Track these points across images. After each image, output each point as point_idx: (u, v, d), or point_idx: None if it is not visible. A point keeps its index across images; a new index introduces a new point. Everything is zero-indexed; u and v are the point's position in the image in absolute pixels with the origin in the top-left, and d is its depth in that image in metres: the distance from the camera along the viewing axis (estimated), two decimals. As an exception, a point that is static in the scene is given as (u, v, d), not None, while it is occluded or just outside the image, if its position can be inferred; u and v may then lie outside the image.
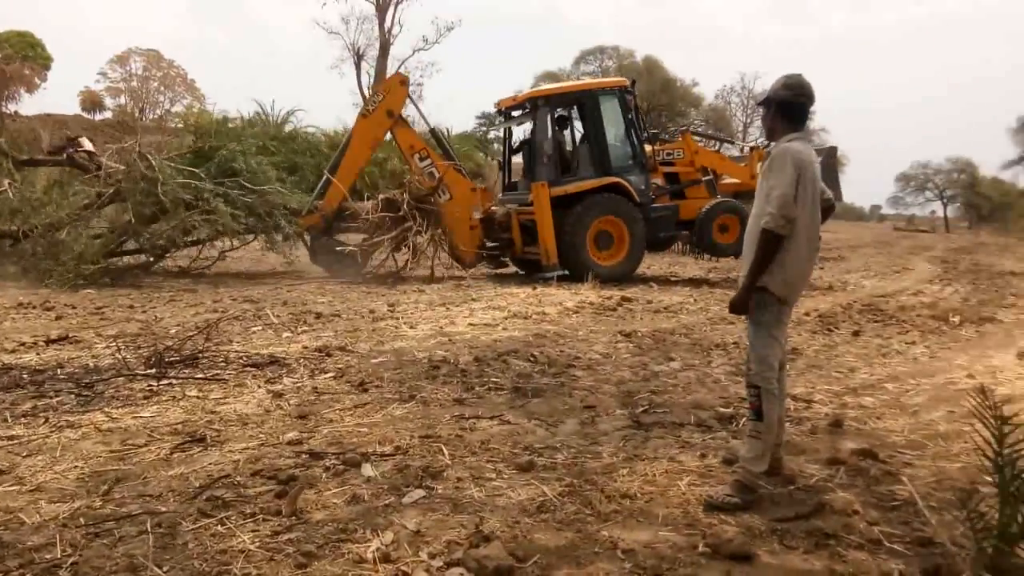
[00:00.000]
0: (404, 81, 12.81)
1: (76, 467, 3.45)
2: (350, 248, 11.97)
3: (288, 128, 28.88)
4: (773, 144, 3.48)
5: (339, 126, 36.86)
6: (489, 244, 12.46)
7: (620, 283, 11.47)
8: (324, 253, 12.38)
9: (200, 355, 5.85)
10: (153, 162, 11.40)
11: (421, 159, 12.41)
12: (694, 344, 7.18)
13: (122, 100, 48.34)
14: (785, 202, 3.20)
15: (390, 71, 37.97)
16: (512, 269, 13.54)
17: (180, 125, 39.34)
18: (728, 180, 12.96)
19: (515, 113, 13.11)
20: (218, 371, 5.46)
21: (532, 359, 6.15)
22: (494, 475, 3.43)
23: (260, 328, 7.28)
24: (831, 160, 13.98)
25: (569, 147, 12.82)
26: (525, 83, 50.47)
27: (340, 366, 5.69)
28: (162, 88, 49.58)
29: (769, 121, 3.50)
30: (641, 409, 4.83)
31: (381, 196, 12.00)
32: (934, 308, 9.66)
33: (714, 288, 11.92)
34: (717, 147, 15.16)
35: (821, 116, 50.15)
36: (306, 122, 33.78)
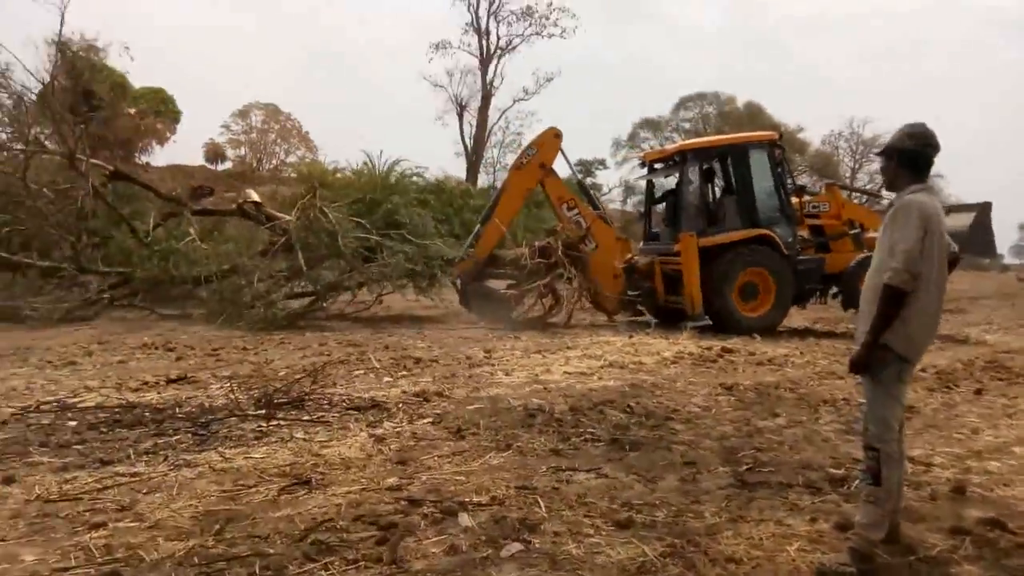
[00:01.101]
0: (558, 135, 13.22)
1: (191, 505, 3.63)
2: (511, 292, 12.42)
3: (393, 177, 30.07)
4: (895, 195, 3.34)
5: (441, 175, 38.16)
6: (631, 292, 12.63)
7: (768, 334, 11.43)
8: (475, 298, 12.85)
9: (306, 397, 6.07)
10: (331, 216, 12.44)
11: (569, 209, 12.88)
12: (800, 399, 6.88)
13: (242, 151, 51.50)
14: (911, 257, 3.05)
15: (491, 121, 39.10)
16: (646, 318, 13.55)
17: (295, 175, 41.67)
18: (873, 234, 12.66)
19: (659, 166, 13.44)
20: (323, 413, 5.65)
21: (629, 410, 6.05)
22: (592, 531, 3.38)
23: (363, 372, 7.50)
24: (986, 216, 13.58)
25: (710, 199, 12.88)
26: (622, 130, 50.80)
27: (438, 411, 5.77)
28: (278, 140, 52.65)
29: (892, 172, 3.35)
30: (745, 467, 4.65)
31: (537, 244, 12.50)
32: (1070, 365, 8.93)
33: (820, 340, 11.44)
34: (864, 200, 14.95)
35: (942, 159, 47.78)
36: (411, 171, 35.12)
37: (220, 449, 4.64)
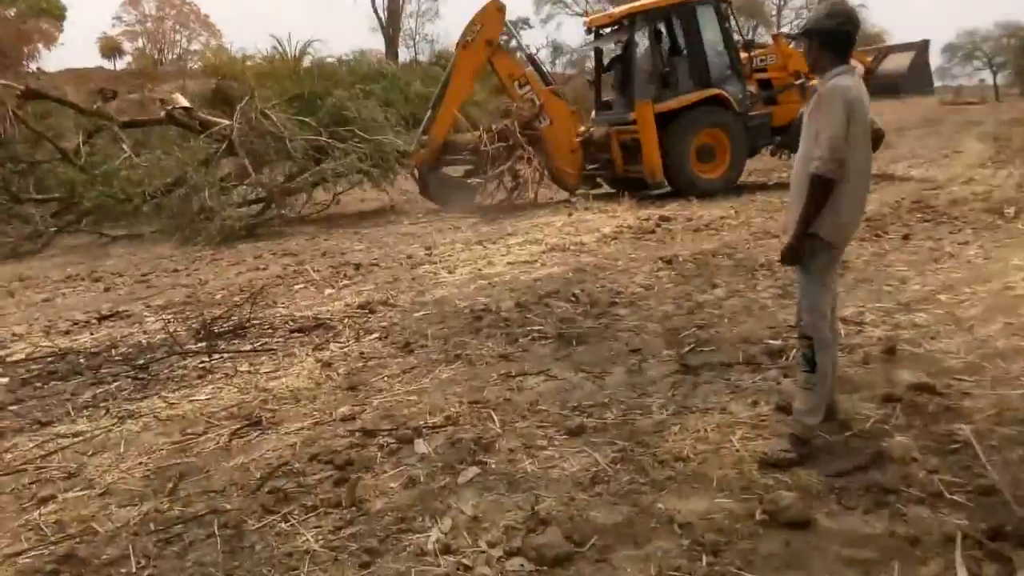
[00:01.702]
0: (501, 8, 12.50)
1: (141, 463, 3.58)
2: (475, 181, 12.15)
3: (306, 62, 28.51)
4: (818, 79, 3.28)
5: (357, 54, 36.18)
6: (589, 166, 12.52)
7: (720, 195, 11.58)
8: (436, 187, 12.52)
9: (247, 323, 5.94)
10: (274, 118, 11.86)
11: (521, 86, 12.37)
12: (737, 266, 7.03)
13: (140, 43, 48.17)
14: (836, 144, 3.02)
15: (405, -12, 36.88)
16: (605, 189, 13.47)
17: (201, 66, 39.15)
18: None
19: (605, 31, 12.94)
20: (266, 339, 5.55)
21: (574, 299, 6.10)
22: (545, 442, 3.46)
23: (302, 286, 7.35)
24: (924, 54, 13.68)
25: (661, 63, 12.53)
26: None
27: (384, 324, 5.73)
28: (177, 26, 49.35)
29: (815, 53, 3.26)
30: (688, 348, 4.79)
31: (495, 127, 12.08)
32: (987, 200, 9.27)
33: (755, 195, 11.61)
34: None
35: (859, -11, 47.29)
36: (323, 53, 33.24)
37: (163, 394, 4.55)
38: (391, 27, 35.92)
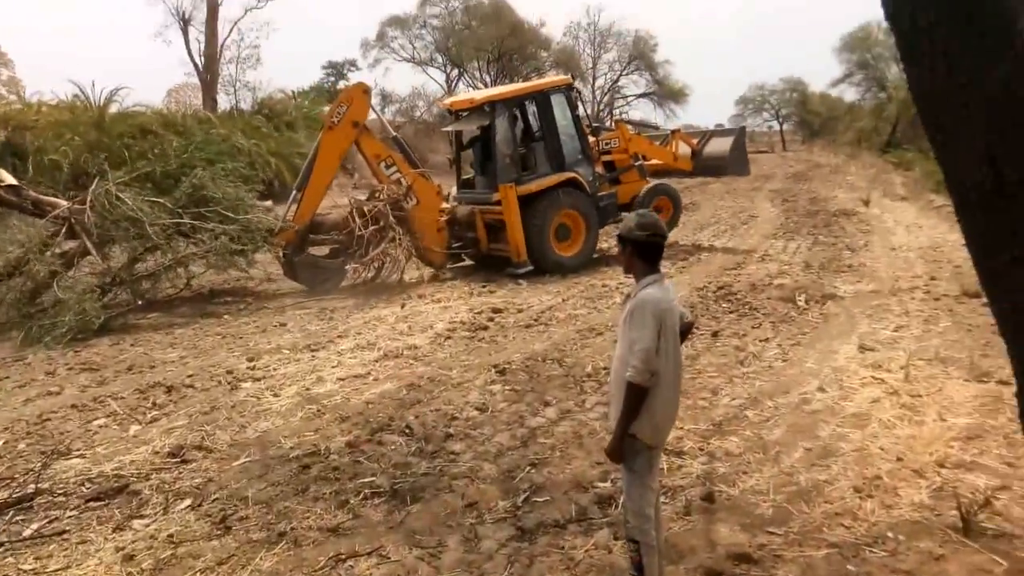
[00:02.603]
0: (367, 90, 12.70)
1: None
2: (351, 265, 12.01)
3: (113, 109, 26.48)
4: (633, 286, 3.45)
5: (171, 102, 34.08)
6: (455, 244, 12.89)
7: (578, 271, 12.43)
8: (303, 269, 12.29)
9: (36, 487, 5.21)
10: (131, 202, 10.86)
11: (387, 167, 12.46)
12: (567, 375, 7.21)
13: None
14: (648, 356, 3.23)
15: (222, 34, 35.35)
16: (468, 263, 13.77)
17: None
18: (652, 161, 14.52)
19: (466, 114, 13.42)
20: (56, 513, 4.89)
21: (408, 432, 5.95)
22: (379, 668, 3.27)
23: (102, 421, 6.60)
24: (741, 139, 15.79)
25: (519, 147, 13.13)
26: (369, 31, 48.35)
27: (198, 482, 5.25)
28: (-37, 58, 44.25)
29: (626, 259, 3.49)
30: (523, 497, 4.80)
31: (367, 208, 11.94)
32: (782, 287, 10.19)
33: (579, 276, 12.08)
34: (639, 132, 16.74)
35: (664, 48, 51.50)
36: (131, 100, 31.05)
37: (-75, 618, 3.87)
38: (208, 72, 34.14)
